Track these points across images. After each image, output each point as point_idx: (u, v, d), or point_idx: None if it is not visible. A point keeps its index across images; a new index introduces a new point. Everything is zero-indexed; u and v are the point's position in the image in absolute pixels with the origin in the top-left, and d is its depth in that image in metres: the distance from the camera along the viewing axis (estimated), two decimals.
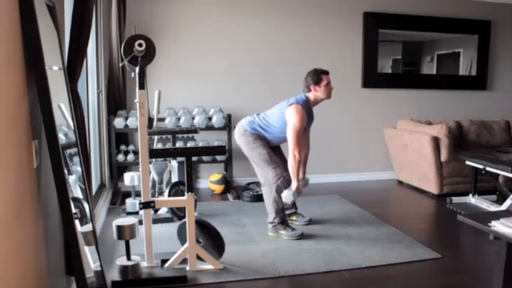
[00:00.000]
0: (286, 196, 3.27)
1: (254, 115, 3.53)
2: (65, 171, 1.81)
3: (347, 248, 3.17)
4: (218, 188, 4.76)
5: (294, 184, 3.28)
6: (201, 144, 4.69)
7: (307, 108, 3.35)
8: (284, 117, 3.31)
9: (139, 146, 2.68)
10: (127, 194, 4.29)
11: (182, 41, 4.85)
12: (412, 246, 3.21)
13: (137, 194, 3.73)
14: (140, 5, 4.70)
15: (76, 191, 2.20)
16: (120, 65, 3.93)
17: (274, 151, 3.49)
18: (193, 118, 4.64)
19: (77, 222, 2.00)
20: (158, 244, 3.14)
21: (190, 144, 4.71)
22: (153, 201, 2.71)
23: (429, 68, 5.68)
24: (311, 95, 3.39)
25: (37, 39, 1.63)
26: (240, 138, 3.46)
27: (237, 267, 2.81)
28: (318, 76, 3.36)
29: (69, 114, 2.16)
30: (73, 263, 1.89)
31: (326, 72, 3.41)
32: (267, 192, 3.41)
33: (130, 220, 2.60)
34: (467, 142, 5.13)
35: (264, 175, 3.40)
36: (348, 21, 5.28)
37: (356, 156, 5.50)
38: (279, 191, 3.37)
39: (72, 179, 2.14)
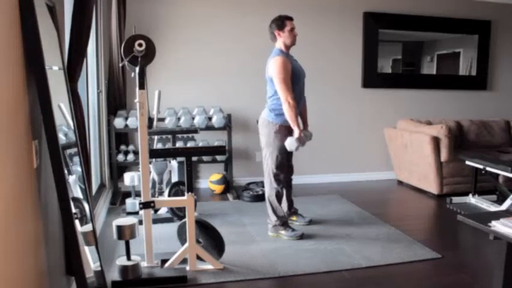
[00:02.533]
0: (290, 143, 3.22)
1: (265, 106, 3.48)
2: (65, 171, 1.81)
3: (347, 248, 3.17)
4: (218, 188, 4.76)
5: (296, 130, 3.22)
6: (201, 144, 4.69)
7: (285, 55, 3.31)
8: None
9: (139, 146, 2.68)
10: (127, 194, 4.29)
11: (182, 41, 4.85)
12: (412, 246, 3.21)
13: (137, 194, 3.73)
14: (140, 5, 4.70)
15: (76, 191, 2.20)
16: (120, 65, 3.93)
17: (288, 157, 3.49)
18: (193, 118, 4.64)
19: (77, 222, 2.00)
20: (158, 244, 3.14)
21: (190, 144, 4.71)
22: (153, 201, 2.71)
23: (429, 68, 5.67)
24: (279, 43, 3.36)
25: (37, 39, 1.63)
26: (263, 130, 3.40)
27: (237, 267, 2.81)
28: (282, 21, 3.36)
29: (69, 114, 2.16)
30: (73, 263, 1.89)
31: (290, 18, 3.39)
32: (269, 194, 3.41)
33: (130, 220, 2.60)
34: (467, 142, 5.13)
35: (268, 175, 3.40)
36: (348, 21, 5.28)
37: (356, 156, 5.50)
38: (278, 196, 3.38)
39: (72, 179, 2.14)
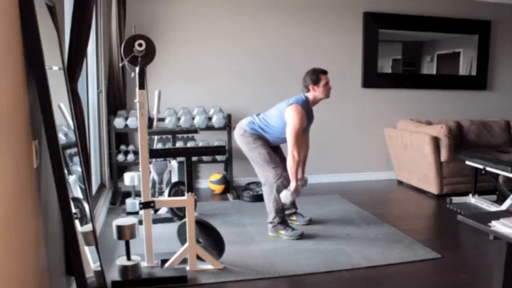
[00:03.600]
0: (285, 196, 3.27)
1: (254, 115, 3.53)
2: (65, 171, 1.81)
3: (346, 248, 3.17)
4: (218, 188, 4.76)
5: (292, 184, 3.29)
6: (201, 144, 4.69)
7: (306, 108, 3.35)
8: (284, 118, 3.31)
9: (139, 146, 2.68)
10: (127, 194, 4.29)
11: (182, 41, 4.85)
12: (412, 246, 3.21)
13: (137, 194, 3.73)
14: (140, 5, 4.70)
15: (76, 191, 2.20)
16: (120, 65, 3.93)
17: (274, 151, 3.50)
18: (193, 118, 4.64)
19: (77, 222, 2.00)
20: (158, 244, 3.14)
21: (190, 144, 4.71)
22: (153, 201, 2.71)
23: (429, 68, 5.67)
24: (310, 95, 3.40)
25: (37, 39, 1.63)
26: (240, 138, 3.47)
27: (237, 267, 2.81)
28: (316, 76, 3.37)
29: (69, 114, 2.16)
30: (73, 263, 1.89)
31: (325, 72, 3.41)
32: (267, 192, 3.41)
33: (130, 220, 2.60)
34: (467, 142, 5.13)
35: (264, 175, 3.40)
36: (348, 21, 5.28)
37: (356, 156, 5.50)
38: (279, 191, 3.37)
39: (72, 179, 2.14)
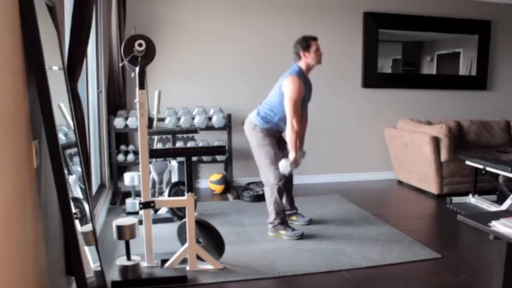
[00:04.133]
0: (284, 166, 3.26)
1: (258, 105, 3.52)
2: (65, 171, 1.81)
3: (346, 248, 3.17)
4: (218, 188, 4.76)
5: (291, 155, 3.28)
6: (201, 144, 4.69)
7: (303, 78, 3.34)
8: (283, 92, 3.30)
9: (139, 146, 2.68)
10: (127, 194, 4.29)
11: (182, 41, 4.85)
12: (412, 246, 3.21)
13: (137, 194, 3.73)
14: (140, 5, 4.70)
15: (76, 191, 2.20)
16: (120, 65, 3.93)
17: (281, 150, 3.49)
18: (193, 118, 4.64)
19: (77, 222, 2.00)
20: (158, 244, 3.14)
21: (190, 144, 4.71)
22: (153, 201, 2.71)
23: (429, 68, 5.67)
24: (302, 63, 3.38)
25: (37, 39, 1.63)
26: (250, 133, 3.45)
27: (237, 267, 2.81)
28: (307, 42, 3.36)
29: (69, 114, 2.16)
30: (73, 263, 1.89)
31: (315, 38, 3.40)
32: (269, 193, 3.41)
33: (130, 220, 2.60)
34: (467, 142, 5.13)
35: (267, 175, 3.40)
36: (348, 21, 5.28)
37: (356, 156, 5.50)
38: (280, 193, 3.37)
39: (72, 179, 2.14)
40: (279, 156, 3.39)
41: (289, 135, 3.27)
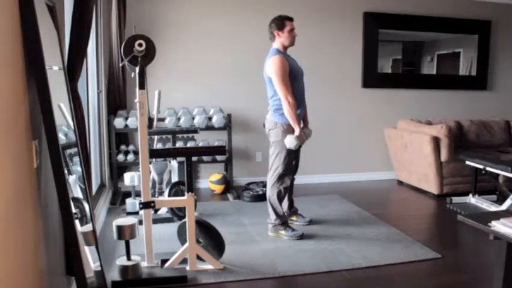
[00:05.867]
0: (290, 141, 3.24)
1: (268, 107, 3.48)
2: (65, 171, 1.81)
3: (347, 248, 3.17)
4: (218, 188, 4.76)
5: (296, 129, 3.25)
6: (201, 144, 4.69)
7: (283, 55, 3.31)
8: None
9: (139, 146, 2.68)
10: (127, 194, 4.29)
11: (182, 41, 4.85)
12: (412, 246, 3.21)
13: (137, 194, 3.73)
14: (140, 5, 4.70)
15: (76, 191, 2.20)
16: (120, 65, 3.93)
17: (295, 154, 3.49)
18: (193, 118, 4.64)
19: (77, 222, 2.00)
20: (158, 244, 3.14)
21: (190, 144, 4.71)
22: (153, 201, 2.71)
23: (429, 68, 5.67)
24: (277, 43, 3.36)
25: (37, 39, 1.63)
26: (272, 131, 3.38)
27: (237, 267, 2.81)
28: (282, 21, 3.36)
29: (69, 114, 2.16)
30: (73, 263, 1.89)
31: (290, 19, 3.39)
32: (270, 194, 3.41)
33: (130, 220, 2.60)
34: (467, 142, 5.13)
35: (276, 166, 3.37)
36: (348, 21, 5.28)
37: (356, 156, 5.50)
38: (280, 197, 3.37)
39: (72, 179, 2.14)
40: (289, 163, 3.38)
41: (287, 112, 3.22)
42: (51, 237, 1.93)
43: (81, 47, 2.34)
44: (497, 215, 2.03)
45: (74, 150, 2.23)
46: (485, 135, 5.23)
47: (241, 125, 5.03)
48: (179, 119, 4.59)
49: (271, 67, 3.25)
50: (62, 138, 1.95)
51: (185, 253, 2.74)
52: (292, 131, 3.30)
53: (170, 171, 4.04)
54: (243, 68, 5.03)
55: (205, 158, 4.77)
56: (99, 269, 2.29)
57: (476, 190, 4.38)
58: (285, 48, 3.38)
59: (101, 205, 3.73)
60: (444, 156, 4.58)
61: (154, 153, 2.94)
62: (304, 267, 2.84)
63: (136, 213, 3.74)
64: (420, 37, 5.58)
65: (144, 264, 2.73)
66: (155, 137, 4.40)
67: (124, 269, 2.54)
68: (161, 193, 3.90)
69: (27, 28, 1.59)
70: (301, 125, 3.40)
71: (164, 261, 2.75)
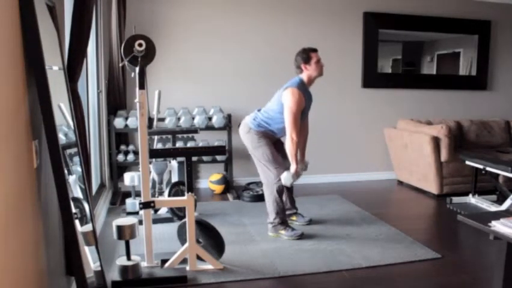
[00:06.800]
0: (286, 178, 3.28)
1: (255, 111, 3.54)
2: (65, 171, 1.81)
3: (347, 248, 3.17)
4: (218, 188, 4.75)
5: (293, 166, 3.30)
6: (201, 144, 4.69)
7: (303, 90, 3.35)
8: (282, 103, 3.31)
9: (139, 146, 2.68)
10: (127, 194, 4.29)
11: (182, 41, 4.85)
12: (412, 246, 3.21)
13: (137, 194, 3.73)
14: (140, 5, 4.70)
15: (76, 191, 2.20)
16: (120, 65, 3.93)
17: (278, 151, 3.49)
18: (193, 118, 4.64)
19: (77, 222, 2.00)
20: (158, 244, 3.14)
21: (190, 144, 4.71)
22: (153, 201, 2.71)
23: (429, 68, 5.67)
24: (304, 75, 3.39)
25: (37, 39, 1.63)
26: (245, 136, 3.47)
27: (237, 267, 2.81)
28: (307, 54, 3.37)
29: (69, 114, 2.16)
30: (73, 263, 1.89)
31: (315, 50, 3.41)
32: (268, 192, 3.41)
33: (130, 220, 2.60)
34: (467, 142, 5.13)
35: (266, 175, 3.40)
36: (348, 21, 5.28)
37: (356, 156, 5.50)
38: (279, 192, 3.37)
39: (72, 179, 2.14)
40: (276, 156, 3.40)
41: (289, 148, 3.29)
42: (51, 237, 1.93)
43: (81, 47, 2.34)
44: (497, 215, 2.03)
45: (74, 150, 2.23)
46: (485, 135, 5.23)
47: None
48: (179, 119, 4.59)
49: (288, 99, 3.27)
50: (62, 138, 1.95)
51: (185, 253, 2.74)
52: (267, 138, 3.38)
53: (170, 171, 4.04)
54: (243, 68, 5.03)
55: (205, 158, 4.77)
56: (99, 269, 2.29)
57: (476, 190, 4.38)
58: (311, 80, 3.41)
59: (101, 205, 3.73)
60: (444, 156, 4.58)
61: (154, 153, 2.94)
62: (304, 267, 2.84)
63: (136, 213, 3.74)
64: (420, 37, 5.58)
65: (144, 264, 2.73)
66: (155, 137, 4.40)
67: (124, 269, 2.54)
68: (161, 193, 3.90)
69: (27, 28, 1.59)
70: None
71: (164, 261, 2.75)
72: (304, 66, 3.37)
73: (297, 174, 3.32)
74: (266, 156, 3.37)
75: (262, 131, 3.42)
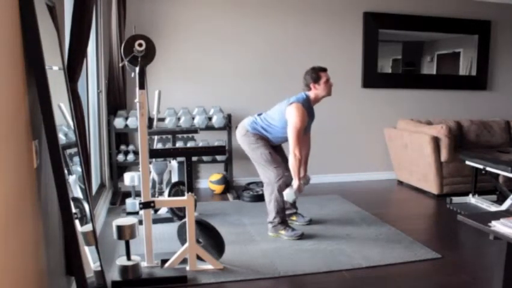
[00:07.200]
0: (288, 194, 3.28)
1: (255, 115, 3.54)
2: (65, 171, 1.81)
3: (347, 248, 3.17)
4: (218, 188, 4.75)
5: (295, 183, 3.30)
6: (201, 144, 4.69)
7: (307, 107, 3.36)
8: (285, 117, 3.31)
9: (139, 146, 2.68)
10: (127, 194, 4.29)
11: (182, 41, 4.85)
12: (412, 246, 3.21)
13: (137, 194, 3.73)
14: (140, 5, 4.70)
15: (76, 191, 2.20)
16: (120, 65, 3.93)
17: (276, 151, 3.50)
18: (193, 118, 4.64)
19: (77, 222, 2.00)
20: (158, 244, 3.14)
21: (190, 144, 4.71)
22: (153, 201, 2.71)
23: (429, 68, 5.67)
24: (312, 94, 3.40)
25: (37, 39, 1.63)
26: (242, 138, 3.47)
27: (237, 267, 2.81)
28: (316, 74, 3.37)
29: (69, 114, 2.16)
30: (73, 263, 1.89)
31: (324, 70, 3.41)
32: (268, 192, 3.41)
33: (130, 220, 2.60)
34: (467, 142, 5.13)
35: (266, 175, 3.40)
36: (348, 21, 5.28)
37: (356, 156, 5.50)
38: (280, 191, 3.37)
39: (72, 179, 2.14)
40: (275, 156, 3.40)
41: (292, 164, 3.29)
42: (51, 237, 1.93)
43: (81, 47, 2.34)
44: (497, 215, 2.03)
45: (74, 150, 2.23)
46: (485, 135, 5.23)
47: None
48: (179, 119, 4.59)
49: (293, 115, 3.27)
50: (62, 138, 1.95)
51: (185, 253, 2.74)
52: (262, 138, 3.40)
53: (170, 171, 4.04)
54: (243, 68, 5.03)
55: (205, 158, 4.77)
56: (99, 269, 2.29)
57: (476, 190, 4.38)
58: (318, 100, 3.43)
59: (101, 205, 3.73)
60: (444, 156, 4.58)
61: (154, 153, 2.94)
62: (305, 267, 2.84)
63: (136, 213, 3.73)
64: (420, 37, 5.58)
65: (144, 264, 2.73)
66: (155, 137, 4.40)
67: (124, 269, 2.54)
68: (161, 193, 3.90)
69: (27, 28, 1.59)
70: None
71: (164, 261, 2.75)
72: (313, 86, 3.37)
73: (299, 190, 3.32)
74: (265, 157, 3.37)
75: (258, 134, 3.43)
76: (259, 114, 3.53)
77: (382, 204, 4.52)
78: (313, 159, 5.25)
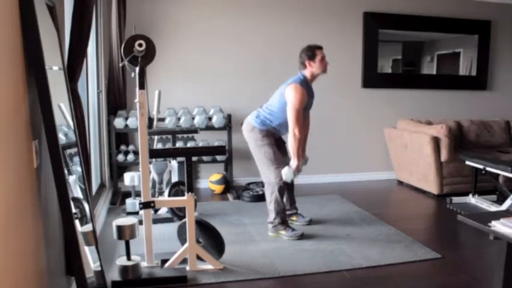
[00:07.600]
0: (286, 174, 3.28)
1: (258, 108, 3.53)
2: (65, 171, 1.81)
3: (347, 248, 3.17)
4: (218, 188, 4.76)
5: (294, 162, 3.30)
6: (201, 144, 4.69)
7: (306, 86, 3.35)
8: (284, 99, 3.32)
9: (139, 146, 2.68)
10: (127, 194, 4.29)
11: (182, 40, 4.85)
12: (412, 246, 3.21)
13: (137, 194, 3.73)
14: (140, 5, 4.70)
15: (76, 191, 2.20)
16: (120, 65, 3.93)
17: (280, 148, 3.49)
18: (193, 118, 4.64)
19: (77, 222, 2.00)
20: (158, 244, 3.14)
21: (190, 144, 4.71)
22: (153, 201, 2.71)
23: (429, 68, 5.67)
24: (307, 72, 3.39)
25: (37, 39, 1.63)
26: (249, 134, 3.47)
27: (237, 267, 2.81)
28: (312, 51, 3.37)
29: (69, 114, 2.16)
30: (73, 263, 1.89)
31: (320, 47, 3.41)
32: (269, 192, 3.41)
33: (130, 220, 2.60)
34: (467, 142, 5.13)
35: (267, 174, 3.40)
36: (348, 21, 5.28)
37: (356, 156, 5.50)
38: (281, 192, 3.37)
39: (72, 179, 2.14)
40: (278, 156, 3.40)
41: (291, 144, 3.29)
42: (51, 237, 1.93)
43: (81, 47, 2.34)
44: (497, 215, 2.03)
45: (74, 150, 2.23)
46: (485, 135, 5.23)
47: (241, 125, 5.02)
48: (179, 119, 4.59)
49: (292, 95, 3.27)
50: (62, 138, 1.95)
51: (185, 253, 2.74)
52: (271, 137, 3.38)
53: (170, 171, 4.04)
54: (243, 68, 5.03)
55: (205, 158, 4.77)
56: (99, 269, 2.29)
57: (476, 190, 4.38)
58: (314, 77, 3.42)
59: (101, 205, 3.73)
60: (444, 156, 4.58)
61: (154, 153, 2.94)
62: (305, 267, 2.84)
63: (136, 213, 3.74)
64: (420, 37, 5.58)
65: (144, 264, 2.73)
66: (155, 137, 4.40)
67: (124, 269, 2.54)
68: (161, 193, 3.90)
69: (27, 28, 1.59)
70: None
71: (164, 261, 2.75)
72: (308, 63, 3.37)
73: (298, 170, 3.33)
74: (268, 155, 3.36)
75: (265, 130, 3.41)
76: (260, 106, 3.53)
77: (382, 204, 4.52)
78: (314, 159, 5.25)
